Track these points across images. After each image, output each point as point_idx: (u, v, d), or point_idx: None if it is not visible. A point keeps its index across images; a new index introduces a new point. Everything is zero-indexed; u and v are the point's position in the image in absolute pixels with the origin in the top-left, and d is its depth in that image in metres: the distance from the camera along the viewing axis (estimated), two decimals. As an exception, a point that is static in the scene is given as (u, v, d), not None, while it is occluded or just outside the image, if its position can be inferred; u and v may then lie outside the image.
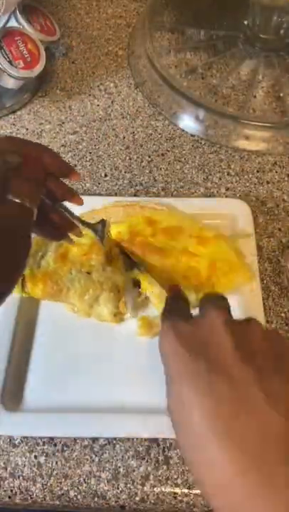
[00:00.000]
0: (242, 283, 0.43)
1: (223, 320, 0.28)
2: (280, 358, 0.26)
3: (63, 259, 0.44)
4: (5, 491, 0.39)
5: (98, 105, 0.61)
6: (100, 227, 0.41)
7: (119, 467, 0.39)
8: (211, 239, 0.45)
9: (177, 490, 0.38)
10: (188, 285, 0.43)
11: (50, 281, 0.43)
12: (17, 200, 0.29)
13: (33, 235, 0.33)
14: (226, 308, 0.30)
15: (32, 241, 0.31)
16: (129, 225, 0.46)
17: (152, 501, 0.38)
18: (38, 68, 0.56)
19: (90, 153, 0.57)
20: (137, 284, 0.45)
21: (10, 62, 0.54)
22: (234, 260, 0.44)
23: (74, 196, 0.35)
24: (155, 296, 0.43)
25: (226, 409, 0.24)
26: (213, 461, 0.23)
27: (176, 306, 0.33)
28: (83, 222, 0.39)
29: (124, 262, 0.45)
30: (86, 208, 0.50)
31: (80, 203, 0.36)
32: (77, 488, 0.39)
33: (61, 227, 0.37)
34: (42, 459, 0.40)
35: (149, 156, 0.57)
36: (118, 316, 0.44)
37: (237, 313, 0.44)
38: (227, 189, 0.54)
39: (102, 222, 0.41)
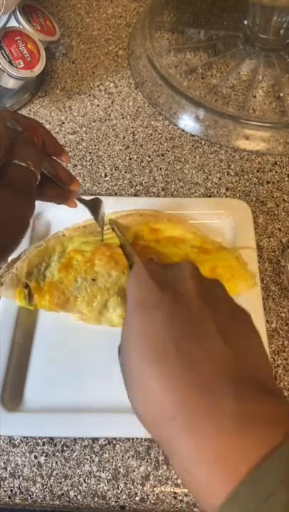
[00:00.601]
0: (244, 290, 0.43)
1: (193, 268, 0.30)
2: (234, 312, 0.28)
3: (67, 268, 0.44)
4: (5, 491, 0.39)
5: (98, 105, 0.61)
6: (93, 205, 0.42)
7: (119, 467, 0.39)
8: (213, 250, 0.45)
9: (177, 490, 0.38)
10: None
11: (57, 292, 0.43)
12: (22, 164, 0.30)
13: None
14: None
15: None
16: (133, 228, 0.46)
17: (152, 501, 0.38)
18: (38, 68, 0.56)
19: (90, 153, 0.57)
20: None
21: (10, 62, 0.54)
22: (237, 268, 0.44)
23: (62, 152, 0.37)
24: None
25: (180, 332, 0.25)
26: (157, 376, 0.24)
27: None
28: (79, 199, 0.41)
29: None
30: (86, 207, 0.50)
31: (67, 161, 0.38)
32: (77, 488, 0.39)
33: (62, 184, 0.38)
34: (42, 459, 0.40)
35: (149, 156, 0.57)
36: None
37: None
38: (227, 189, 0.54)
39: (96, 199, 0.43)
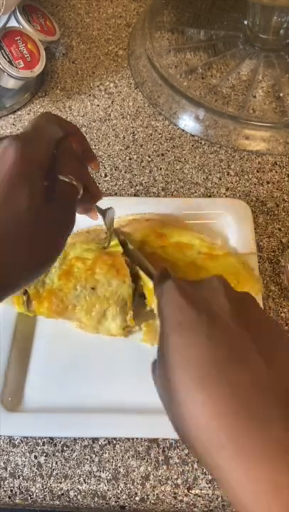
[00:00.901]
0: None
1: (223, 283, 0.29)
2: (269, 327, 0.27)
3: (67, 276, 0.43)
4: (5, 491, 0.39)
5: (98, 105, 0.61)
6: (107, 214, 0.42)
7: (119, 467, 0.39)
8: (219, 256, 0.45)
9: (177, 490, 0.38)
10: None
11: (56, 299, 0.42)
12: (66, 179, 0.30)
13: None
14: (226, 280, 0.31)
15: None
16: (139, 234, 0.46)
17: (152, 501, 0.38)
18: (38, 68, 0.56)
19: (90, 153, 0.57)
20: (142, 295, 0.44)
21: (10, 62, 0.54)
22: (243, 274, 0.43)
23: (93, 159, 0.37)
24: None
25: (221, 355, 0.24)
26: (203, 402, 0.23)
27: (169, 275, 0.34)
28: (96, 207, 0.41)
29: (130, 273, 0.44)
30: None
31: (96, 168, 0.38)
32: (77, 488, 0.39)
33: (91, 195, 0.36)
34: (42, 459, 0.40)
35: (149, 156, 0.57)
36: (126, 330, 0.43)
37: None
38: (227, 189, 0.54)
39: (110, 209, 0.42)
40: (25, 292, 0.43)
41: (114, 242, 0.45)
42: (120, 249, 0.44)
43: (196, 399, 0.24)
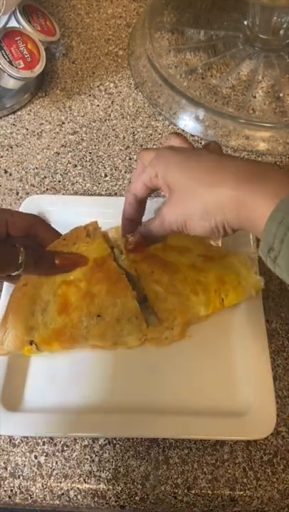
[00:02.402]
0: (251, 294, 0.43)
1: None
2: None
3: (66, 310, 0.40)
4: (5, 490, 0.39)
5: (98, 105, 0.61)
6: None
7: (119, 467, 0.39)
8: (219, 257, 0.45)
9: (177, 490, 0.38)
10: (197, 300, 0.42)
11: (64, 337, 0.40)
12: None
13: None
14: None
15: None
16: None
17: (152, 501, 0.38)
18: (38, 68, 0.56)
19: (90, 153, 0.57)
20: (143, 300, 0.44)
21: (10, 62, 0.54)
22: (243, 274, 0.43)
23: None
24: (162, 311, 0.43)
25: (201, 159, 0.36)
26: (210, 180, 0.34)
27: None
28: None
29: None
30: (86, 207, 0.50)
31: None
32: (77, 488, 0.39)
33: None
34: (42, 459, 0.40)
35: (149, 156, 0.57)
36: (143, 338, 0.42)
37: (237, 312, 0.44)
38: (227, 189, 0.54)
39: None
40: (31, 342, 0.41)
41: (85, 247, 0.42)
42: (106, 252, 0.42)
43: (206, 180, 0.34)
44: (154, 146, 0.57)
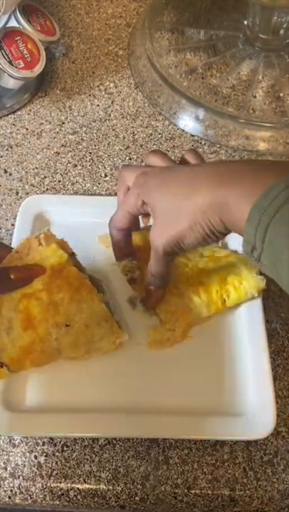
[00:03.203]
0: (254, 294, 0.43)
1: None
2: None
3: (31, 324, 0.38)
4: (5, 491, 0.39)
5: (98, 105, 0.61)
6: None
7: (119, 467, 0.39)
8: (221, 258, 0.45)
9: (177, 490, 0.38)
10: (199, 301, 0.42)
11: (35, 353, 0.38)
12: None
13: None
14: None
15: None
16: (143, 235, 0.45)
17: (152, 501, 0.38)
18: (38, 68, 0.56)
19: (90, 153, 0.57)
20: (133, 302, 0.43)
21: (10, 62, 0.54)
22: (245, 273, 0.43)
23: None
24: (164, 313, 0.42)
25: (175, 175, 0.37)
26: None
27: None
28: None
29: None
30: (86, 207, 0.50)
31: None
32: (77, 488, 0.39)
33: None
34: (42, 459, 0.40)
35: (149, 156, 0.57)
36: (118, 341, 0.41)
37: (237, 312, 0.44)
38: (227, 189, 0.54)
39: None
40: (1, 364, 0.38)
41: (49, 252, 0.40)
42: (63, 258, 0.40)
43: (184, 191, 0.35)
44: (154, 147, 0.57)
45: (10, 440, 0.40)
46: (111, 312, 0.41)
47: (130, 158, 0.57)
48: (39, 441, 0.40)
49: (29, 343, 0.38)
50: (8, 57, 0.54)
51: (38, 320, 0.38)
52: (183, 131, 0.59)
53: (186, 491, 0.38)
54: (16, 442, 0.40)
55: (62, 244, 0.41)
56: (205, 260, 0.44)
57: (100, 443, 0.40)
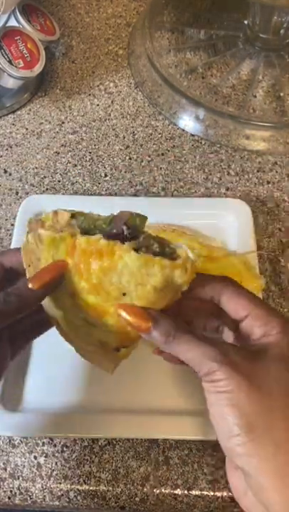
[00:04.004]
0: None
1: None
2: None
3: (97, 311, 0.31)
4: (4, 491, 0.39)
5: (98, 105, 0.61)
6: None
7: (119, 468, 0.39)
8: (220, 257, 0.45)
9: (177, 491, 0.38)
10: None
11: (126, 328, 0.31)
12: None
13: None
14: None
15: None
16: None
17: (152, 502, 0.38)
18: (38, 68, 0.56)
19: (90, 153, 0.57)
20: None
21: (10, 61, 0.54)
22: (244, 272, 0.43)
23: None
24: None
25: None
26: None
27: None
28: None
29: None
30: (85, 207, 0.50)
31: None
32: (77, 489, 0.39)
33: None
34: (42, 460, 0.40)
35: (149, 156, 0.57)
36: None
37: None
38: (227, 189, 0.54)
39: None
40: (117, 348, 0.32)
41: (47, 245, 0.30)
42: (66, 239, 0.30)
43: None
44: (154, 146, 0.57)
45: (9, 440, 0.40)
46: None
47: (130, 158, 0.56)
48: (39, 441, 0.40)
49: (116, 323, 0.31)
50: (7, 56, 0.54)
51: (101, 307, 0.31)
52: (183, 130, 0.59)
53: (186, 491, 0.38)
54: (16, 443, 0.40)
55: (49, 227, 0.32)
56: (203, 260, 0.44)
57: (99, 443, 0.40)
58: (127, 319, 0.29)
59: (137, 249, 0.29)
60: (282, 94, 0.60)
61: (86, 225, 0.30)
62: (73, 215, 0.31)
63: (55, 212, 0.31)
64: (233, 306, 0.31)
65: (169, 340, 0.28)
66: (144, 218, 0.31)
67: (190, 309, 0.32)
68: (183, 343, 0.28)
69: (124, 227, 0.30)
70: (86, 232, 0.30)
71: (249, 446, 0.26)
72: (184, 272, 0.29)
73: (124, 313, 0.29)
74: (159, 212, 0.49)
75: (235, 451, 0.26)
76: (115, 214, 0.31)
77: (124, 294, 0.30)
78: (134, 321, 0.29)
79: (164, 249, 0.30)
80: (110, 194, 0.54)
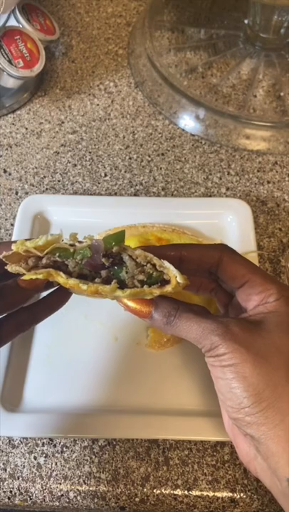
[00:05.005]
0: None
1: None
2: None
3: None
4: (4, 491, 0.39)
5: (98, 105, 0.61)
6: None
7: (119, 468, 0.39)
8: None
9: (177, 491, 0.38)
10: (198, 300, 0.42)
11: None
12: None
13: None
14: None
15: None
16: (137, 240, 0.44)
17: (152, 502, 0.38)
18: (38, 67, 0.56)
19: (90, 152, 0.57)
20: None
21: (9, 61, 0.54)
22: None
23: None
24: None
25: None
26: None
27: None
28: None
29: None
30: (85, 207, 0.50)
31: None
32: (77, 489, 0.38)
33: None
34: (41, 460, 0.39)
35: (149, 156, 0.57)
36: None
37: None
38: (227, 189, 0.54)
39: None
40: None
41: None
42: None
43: None
44: (154, 146, 0.57)
45: (9, 441, 0.40)
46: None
47: (130, 158, 0.56)
48: (39, 442, 0.40)
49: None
50: (7, 56, 0.54)
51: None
52: (183, 130, 0.59)
53: (186, 492, 0.38)
54: (16, 443, 0.40)
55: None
56: None
57: (99, 444, 0.40)
58: (131, 307, 0.29)
59: (122, 284, 0.28)
60: (282, 93, 0.60)
61: (64, 258, 0.29)
62: (46, 253, 0.29)
63: (27, 251, 0.29)
64: (230, 273, 0.31)
65: (170, 321, 0.29)
66: (120, 234, 0.30)
67: (186, 271, 0.31)
68: (184, 322, 0.29)
69: (104, 260, 0.28)
70: (65, 265, 0.29)
71: (258, 416, 0.26)
72: (176, 288, 0.28)
73: (127, 301, 0.30)
74: (159, 213, 0.49)
75: (244, 421, 0.27)
76: (91, 242, 0.29)
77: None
78: (136, 307, 0.29)
79: (150, 276, 0.29)
80: (110, 194, 0.54)
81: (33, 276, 0.28)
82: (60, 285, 0.30)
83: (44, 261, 0.29)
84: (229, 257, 0.31)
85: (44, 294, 0.36)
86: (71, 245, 0.29)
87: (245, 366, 0.27)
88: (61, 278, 0.28)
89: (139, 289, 0.28)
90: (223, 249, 0.32)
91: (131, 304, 0.29)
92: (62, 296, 0.35)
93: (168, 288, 0.28)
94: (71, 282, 0.28)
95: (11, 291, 0.32)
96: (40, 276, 0.28)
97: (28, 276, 0.28)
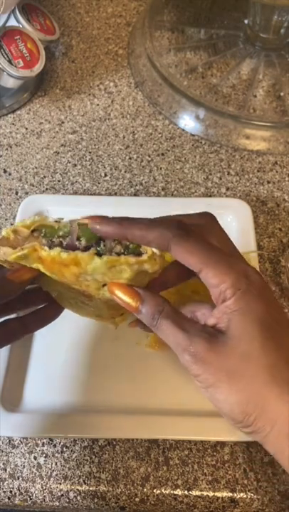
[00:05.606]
0: None
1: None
2: None
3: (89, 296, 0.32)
4: (4, 492, 0.39)
5: (98, 105, 0.61)
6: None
7: (119, 468, 0.39)
8: None
9: (177, 491, 0.38)
10: (198, 300, 0.42)
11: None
12: None
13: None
14: None
15: None
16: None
17: (152, 502, 0.38)
18: (38, 67, 0.56)
19: (90, 152, 0.57)
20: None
21: (9, 61, 0.54)
22: None
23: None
24: None
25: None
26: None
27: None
28: None
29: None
30: (85, 207, 0.50)
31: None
32: (77, 489, 0.38)
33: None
34: (41, 460, 0.39)
35: (149, 156, 0.57)
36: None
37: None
38: (227, 189, 0.54)
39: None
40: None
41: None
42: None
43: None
44: (154, 146, 0.57)
45: (9, 441, 0.40)
46: None
47: (130, 158, 0.56)
48: (38, 442, 0.40)
49: (106, 302, 0.33)
50: (7, 56, 0.54)
51: (87, 292, 0.32)
52: (183, 130, 0.59)
53: (186, 492, 0.38)
54: (16, 443, 0.40)
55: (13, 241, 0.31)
56: None
57: (99, 444, 0.40)
58: (121, 298, 0.29)
59: (100, 254, 0.29)
60: (282, 93, 0.60)
61: (49, 235, 0.30)
62: (34, 229, 0.31)
63: (15, 230, 0.30)
64: (182, 263, 0.28)
65: (154, 324, 0.28)
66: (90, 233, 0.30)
67: None
68: (164, 328, 0.28)
69: (77, 243, 0.30)
70: (50, 241, 0.30)
71: (252, 428, 0.26)
72: (154, 262, 0.29)
73: (118, 292, 0.29)
74: (159, 212, 0.49)
75: (243, 432, 0.27)
76: (71, 221, 0.31)
77: (104, 285, 0.31)
78: (125, 299, 0.29)
79: (128, 247, 0.30)
80: (110, 194, 0.54)
81: (19, 253, 0.29)
82: (52, 299, 0.33)
83: (31, 239, 0.30)
84: (176, 246, 0.28)
85: (38, 306, 0.36)
86: (56, 221, 0.31)
87: (221, 386, 0.26)
88: (44, 252, 0.29)
89: (115, 256, 0.29)
90: (171, 237, 0.28)
91: (121, 294, 0.29)
92: (54, 309, 0.35)
93: (144, 257, 0.29)
94: (53, 253, 0.29)
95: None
96: (25, 252, 0.29)
97: (15, 253, 0.29)
